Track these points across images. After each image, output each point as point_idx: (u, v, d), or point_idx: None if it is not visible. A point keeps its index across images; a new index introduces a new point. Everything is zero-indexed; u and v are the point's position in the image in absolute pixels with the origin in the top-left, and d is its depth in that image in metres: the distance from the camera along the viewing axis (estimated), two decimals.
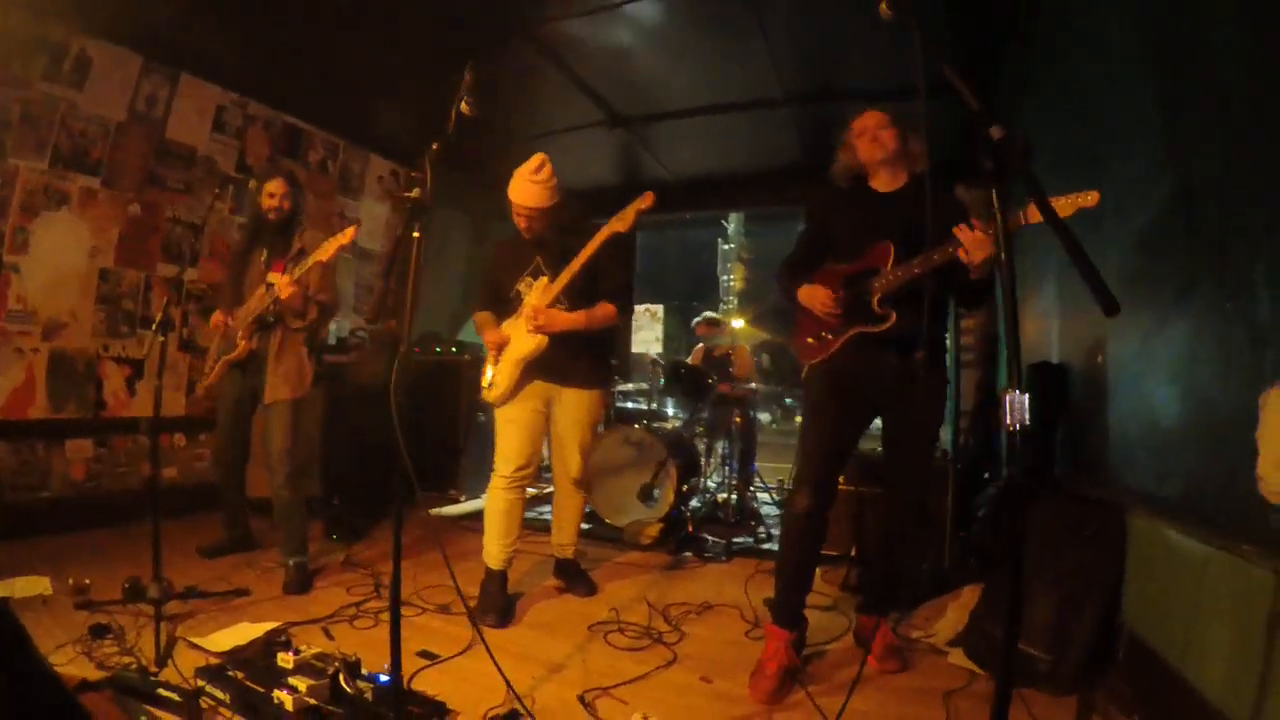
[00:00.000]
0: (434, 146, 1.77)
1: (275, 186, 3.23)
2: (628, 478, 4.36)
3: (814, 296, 2.37)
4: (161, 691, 1.90)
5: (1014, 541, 1.19)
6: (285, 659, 2.02)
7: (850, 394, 2.37)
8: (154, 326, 2.62)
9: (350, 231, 2.77)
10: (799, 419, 2.79)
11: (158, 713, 1.85)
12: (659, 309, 18.71)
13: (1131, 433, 2.46)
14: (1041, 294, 3.68)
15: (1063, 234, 1.23)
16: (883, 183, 2.44)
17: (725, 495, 5.00)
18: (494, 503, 2.89)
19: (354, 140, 5.61)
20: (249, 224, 3.51)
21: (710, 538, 4.19)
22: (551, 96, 4.75)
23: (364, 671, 2.02)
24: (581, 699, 2.10)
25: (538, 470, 3.02)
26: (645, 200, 2.65)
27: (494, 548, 2.89)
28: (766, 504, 5.36)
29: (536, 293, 2.86)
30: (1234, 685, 1.62)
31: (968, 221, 2.04)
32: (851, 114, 2.49)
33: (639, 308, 12.49)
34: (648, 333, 17.83)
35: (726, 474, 5.16)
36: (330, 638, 2.52)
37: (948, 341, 3.28)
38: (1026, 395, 1.16)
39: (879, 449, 2.75)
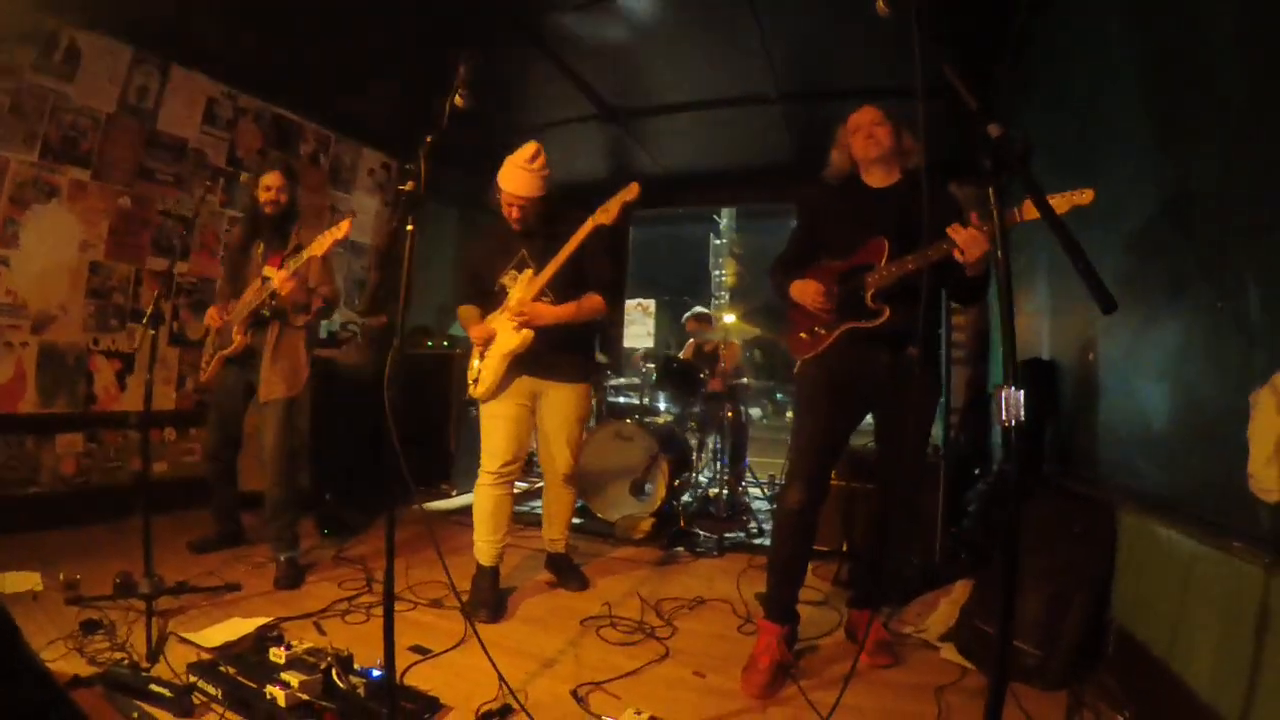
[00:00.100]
0: (428, 139, 1.75)
1: (272, 179, 3.20)
2: (619, 473, 4.37)
3: (805, 291, 2.38)
4: (153, 687, 1.90)
5: (1008, 538, 1.19)
6: (277, 654, 2.02)
7: (843, 390, 2.37)
8: (144, 320, 2.59)
9: (345, 225, 2.74)
10: (790, 414, 2.80)
11: (149, 709, 1.84)
12: (651, 304, 18.69)
13: (1122, 430, 2.48)
14: (1032, 291, 3.69)
15: (1060, 231, 1.23)
16: (876, 179, 2.44)
17: (717, 490, 5.01)
18: (482, 499, 2.89)
19: (345, 133, 5.57)
20: (245, 218, 3.49)
21: (702, 533, 4.20)
22: (543, 90, 4.72)
23: (356, 666, 2.02)
24: (574, 693, 2.11)
25: (524, 464, 3.01)
26: (630, 191, 2.64)
27: (484, 544, 2.89)
28: (758, 499, 5.37)
29: (521, 286, 2.84)
30: (1222, 680, 1.63)
31: (961, 218, 2.03)
32: (844, 113, 2.49)
33: (630, 303, 12.46)
34: (639, 328, 17.77)
35: (718, 469, 5.17)
36: (322, 633, 2.51)
37: (940, 337, 3.29)
38: (1023, 391, 1.17)
39: (871, 444, 2.76)
